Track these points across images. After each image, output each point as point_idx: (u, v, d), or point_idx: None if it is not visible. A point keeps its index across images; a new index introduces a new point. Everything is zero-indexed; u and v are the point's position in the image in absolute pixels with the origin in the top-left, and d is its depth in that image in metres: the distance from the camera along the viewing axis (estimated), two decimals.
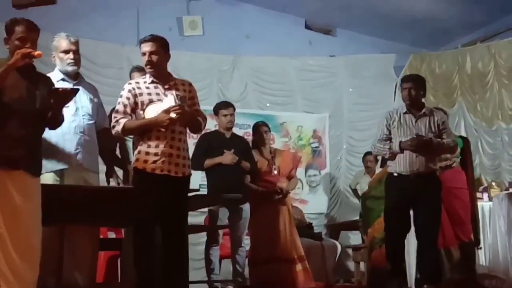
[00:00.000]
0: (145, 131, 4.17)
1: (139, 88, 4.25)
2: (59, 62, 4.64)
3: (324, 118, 9.01)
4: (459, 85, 8.90)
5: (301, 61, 9.06)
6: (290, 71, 9.02)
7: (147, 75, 4.33)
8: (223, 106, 6.29)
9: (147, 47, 4.24)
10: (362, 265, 7.44)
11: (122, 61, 7.72)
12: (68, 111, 4.44)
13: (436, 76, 9.13)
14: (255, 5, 8.95)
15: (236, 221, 6.05)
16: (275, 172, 6.45)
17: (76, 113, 4.52)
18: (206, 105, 8.27)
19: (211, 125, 7.18)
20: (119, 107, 4.23)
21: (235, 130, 6.97)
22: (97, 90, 4.85)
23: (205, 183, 6.32)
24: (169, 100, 4.19)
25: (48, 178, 4.49)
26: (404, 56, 9.18)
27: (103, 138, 4.68)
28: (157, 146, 4.13)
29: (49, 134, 4.44)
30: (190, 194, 4.96)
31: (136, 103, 4.22)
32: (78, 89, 3.91)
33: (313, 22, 9.36)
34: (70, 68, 4.61)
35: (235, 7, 8.87)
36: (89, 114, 4.60)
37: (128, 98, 4.22)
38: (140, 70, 5.17)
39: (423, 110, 5.20)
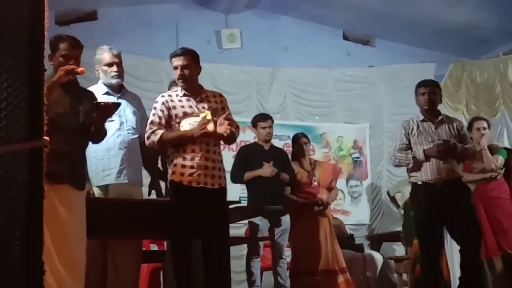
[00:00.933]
0: (179, 144, 4.20)
1: (172, 101, 4.29)
2: (102, 75, 4.67)
3: (365, 129, 8.97)
4: (501, 94, 8.76)
5: (339, 72, 9.05)
6: (329, 82, 9.00)
7: (179, 88, 4.36)
8: (261, 119, 6.29)
9: (179, 61, 4.27)
10: (404, 277, 7.36)
11: (161, 74, 7.80)
12: (112, 125, 4.50)
13: (477, 85, 9.01)
14: (292, 17, 8.98)
15: (277, 232, 6.03)
16: (315, 183, 6.43)
17: (121, 127, 4.56)
18: (245, 117, 8.36)
19: (250, 137, 7.21)
20: (154, 119, 4.26)
21: (275, 141, 6.99)
22: (141, 100, 4.87)
23: (245, 195, 6.32)
24: (204, 113, 4.22)
25: (95, 193, 4.56)
26: (443, 65, 9.08)
27: (147, 150, 4.72)
28: (192, 159, 4.16)
29: (94, 150, 4.51)
30: (230, 206, 5.00)
31: (170, 115, 4.26)
32: (119, 104, 3.95)
33: (351, 32, 9.34)
34: (114, 81, 4.65)
35: (272, 20, 8.91)
36: (133, 128, 4.62)
37: (162, 111, 4.26)
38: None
39: (441, 117, 5.06)
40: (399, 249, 8.22)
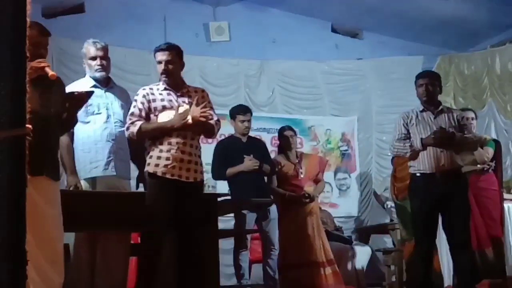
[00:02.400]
0: (157, 136, 4.21)
1: (152, 94, 4.31)
2: (88, 69, 4.70)
3: (353, 121, 8.98)
4: (489, 86, 8.78)
5: (328, 64, 9.04)
6: (317, 75, 9.00)
7: (161, 82, 4.38)
8: (241, 112, 6.22)
9: (163, 56, 4.29)
10: (393, 268, 7.39)
11: (149, 67, 7.73)
12: (100, 118, 4.54)
13: (465, 77, 9.04)
14: (281, 10, 8.95)
15: (266, 223, 6.02)
16: (302, 176, 6.44)
17: (108, 120, 4.57)
18: None
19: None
20: (135, 110, 4.28)
21: (263, 134, 7.01)
22: (128, 94, 4.88)
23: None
24: (183, 107, 4.23)
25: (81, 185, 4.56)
26: (432, 58, 9.11)
27: (135, 143, 4.70)
28: (168, 151, 4.17)
29: (82, 142, 4.52)
30: (219, 199, 5.01)
31: (150, 108, 4.28)
32: (93, 92, 3.91)
33: (340, 25, 9.33)
34: (98, 74, 4.66)
35: (261, 12, 8.88)
36: (121, 121, 4.62)
37: (142, 103, 4.28)
38: None
39: (441, 107, 5.07)
40: (387, 241, 8.25)
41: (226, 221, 7.31)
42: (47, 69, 3.47)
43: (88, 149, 4.55)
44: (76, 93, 3.77)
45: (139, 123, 4.23)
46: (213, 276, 4.68)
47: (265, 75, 8.76)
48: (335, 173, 8.76)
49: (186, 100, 4.30)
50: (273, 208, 6.07)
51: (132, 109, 4.31)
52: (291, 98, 8.80)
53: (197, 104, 4.23)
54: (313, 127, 8.79)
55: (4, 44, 1.68)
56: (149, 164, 4.21)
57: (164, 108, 4.27)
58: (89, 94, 3.80)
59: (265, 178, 6.22)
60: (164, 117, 4.24)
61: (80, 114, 4.51)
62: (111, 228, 4.31)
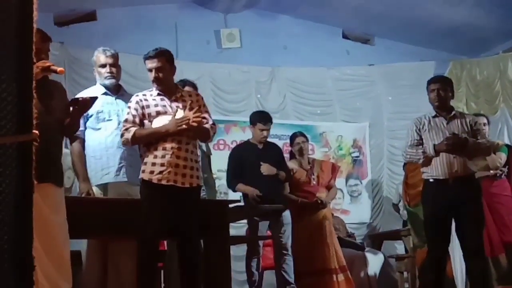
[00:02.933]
0: (151, 143, 4.17)
1: (146, 100, 4.28)
2: (98, 76, 4.73)
3: (364, 127, 8.96)
4: (501, 92, 8.73)
5: (339, 71, 9.03)
6: (328, 81, 8.99)
7: (153, 88, 4.34)
8: (262, 120, 6.13)
9: (152, 64, 4.25)
10: (406, 275, 7.35)
11: None
12: (110, 125, 4.56)
13: (477, 83, 8.99)
14: (291, 17, 8.97)
15: (279, 229, 5.97)
16: (314, 182, 6.44)
17: (119, 127, 4.54)
18: (244, 117, 8.35)
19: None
20: (129, 117, 4.25)
21: (276, 141, 7.00)
22: None
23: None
24: (180, 112, 4.20)
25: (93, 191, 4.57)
26: (443, 64, 9.06)
27: None
28: (163, 157, 4.12)
29: (93, 149, 4.54)
30: (231, 205, 5.00)
31: (143, 114, 4.24)
32: (97, 97, 3.92)
33: (350, 31, 9.33)
34: (107, 82, 4.68)
35: (272, 19, 8.90)
36: None
37: (136, 109, 4.25)
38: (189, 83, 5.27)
39: (453, 112, 5.03)
40: (400, 248, 8.21)
41: (238, 228, 7.33)
42: (53, 67, 3.47)
43: (100, 156, 4.57)
44: (80, 99, 3.77)
45: (133, 129, 4.19)
46: (225, 283, 4.68)
47: (276, 82, 8.76)
48: (347, 180, 8.74)
49: (181, 105, 4.26)
50: (287, 213, 6.03)
51: (126, 116, 4.28)
52: (302, 104, 8.79)
53: (191, 109, 4.19)
54: (324, 133, 8.78)
55: (11, 49, 1.68)
56: (143, 171, 4.15)
57: (158, 113, 4.23)
58: (93, 99, 3.80)
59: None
60: (159, 123, 4.20)
61: (92, 121, 4.56)
62: (122, 235, 4.29)
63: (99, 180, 4.57)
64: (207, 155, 5.37)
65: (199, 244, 4.22)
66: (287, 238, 6.00)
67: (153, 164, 4.12)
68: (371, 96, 9.08)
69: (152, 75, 4.26)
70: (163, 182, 4.09)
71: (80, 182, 4.49)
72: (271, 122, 6.24)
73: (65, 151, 4.05)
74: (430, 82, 5.14)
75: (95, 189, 4.51)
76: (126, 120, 4.26)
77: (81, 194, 4.37)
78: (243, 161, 6.05)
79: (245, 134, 8.27)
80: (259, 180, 5.92)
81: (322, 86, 8.96)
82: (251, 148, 6.17)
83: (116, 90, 4.72)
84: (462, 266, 5.51)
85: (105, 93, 4.62)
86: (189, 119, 4.13)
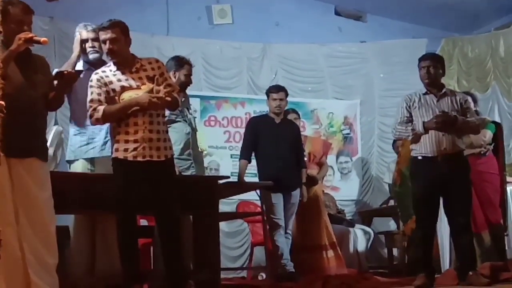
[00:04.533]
0: (122, 119, 4.06)
1: (107, 76, 4.15)
2: (82, 52, 4.73)
3: (355, 105, 8.95)
4: (493, 69, 8.75)
5: (331, 48, 9.00)
6: (320, 58, 8.96)
7: (111, 63, 4.23)
8: (273, 90, 6.16)
9: (106, 35, 4.10)
10: (395, 252, 7.41)
11: (151, 50, 7.73)
12: None
13: (469, 60, 9.00)
14: None
15: (286, 207, 5.96)
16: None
17: None
18: (236, 93, 8.39)
19: (241, 113, 7.19)
20: (93, 96, 4.11)
21: None
22: None
23: (236, 171, 6.24)
24: (147, 85, 4.10)
25: (80, 166, 4.58)
26: (435, 41, 9.05)
27: None
28: (136, 132, 4.02)
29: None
30: (220, 182, 5.01)
31: (108, 91, 4.11)
32: (82, 71, 3.89)
33: (343, 8, 9.28)
34: (90, 56, 4.68)
35: None
36: None
37: (99, 87, 4.11)
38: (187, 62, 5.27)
39: (444, 90, 5.01)
40: (389, 224, 8.26)
41: (230, 204, 7.36)
42: (36, 37, 3.42)
43: (85, 130, 4.59)
44: (65, 72, 3.72)
45: (101, 108, 4.07)
46: (214, 259, 4.72)
47: (267, 59, 8.73)
48: (337, 157, 8.74)
49: (142, 75, 4.15)
50: (295, 193, 6.02)
51: (90, 96, 4.14)
52: (293, 81, 8.76)
53: (158, 84, 4.11)
54: (315, 110, 8.77)
55: None
56: (117, 149, 4.06)
57: (123, 88, 4.11)
58: (78, 73, 3.77)
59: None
60: (127, 97, 4.08)
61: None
62: (108, 210, 4.25)
63: (84, 154, 4.59)
64: (195, 132, 5.35)
65: (178, 217, 4.15)
66: (290, 216, 5.99)
67: (126, 141, 4.03)
68: (363, 73, 9.06)
69: (106, 47, 4.14)
70: (139, 158, 4.01)
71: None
72: (286, 92, 6.19)
73: None
74: (421, 59, 5.12)
75: (82, 162, 4.54)
76: (91, 100, 4.12)
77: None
78: (258, 134, 6.02)
79: (237, 111, 8.30)
80: (274, 156, 5.92)
81: (313, 63, 8.93)
82: (267, 121, 6.13)
83: (100, 65, 4.61)
84: (449, 244, 5.56)
85: (88, 69, 4.57)
86: (160, 94, 4.02)
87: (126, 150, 4.02)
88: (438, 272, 5.40)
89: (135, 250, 4.11)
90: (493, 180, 5.74)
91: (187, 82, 5.26)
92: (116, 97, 4.10)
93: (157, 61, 4.32)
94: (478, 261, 5.13)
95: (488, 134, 5.78)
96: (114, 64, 4.19)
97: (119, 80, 4.13)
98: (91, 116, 4.12)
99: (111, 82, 4.12)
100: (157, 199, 4.07)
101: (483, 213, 5.63)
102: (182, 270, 4.15)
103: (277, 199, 5.89)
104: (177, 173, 4.80)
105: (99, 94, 4.11)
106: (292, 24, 8.83)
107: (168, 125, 4.92)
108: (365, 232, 7.44)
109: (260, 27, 8.71)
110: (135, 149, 4.01)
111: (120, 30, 4.13)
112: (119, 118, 4.08)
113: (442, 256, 5.80)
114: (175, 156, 4.42)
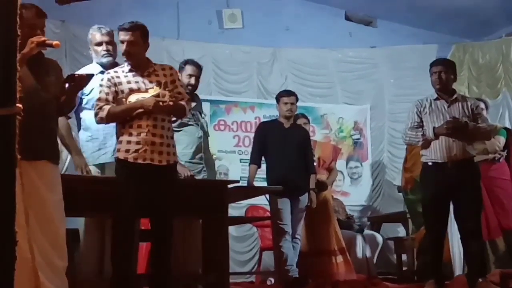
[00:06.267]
0: (126, 120, 4.05)
1: (118, 77, 4.15)
2: (94, 55, 4.73)
3: (365, 110, 8.93)
4: (503, 75, 8.70)
5: (341, 52, 9.00)
6: (330, 63, 8.95)
7: (125, 64, 4.23)
8: (284, 94, 6.17)
9: (125, 36, 4.08)
10: (404, 258, 7.38)
11: (162, 54, 7.76)
12: None
13: (479, 66, 8.97)
14: None
15: (294, 212, 5.93)
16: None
17: None
18: (246, 98, 8.40)
19: (251, 117, 7.17)
20: (101, 95, 4.12)
21: None
22: None
23: (246, 175, 6.25)
24: (155, 88, 4.09)
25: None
26: (446, 47, 9.03)
27: None
28: (138, 134, 4.00)
29: (90, 128, 4.53)
30: (230, 186, 5.00)
31: (116, 92, 4.11)
32: (93, 74, 3.89)
33: (353, 13, 9.27)
34: (104, 60, 4.67)
35: (274, 0, 8.85)
36: None
37: (108, 87, 4.12)
38: (192, 63, 5.26)
39: (455, 96, 5.00)
40: (399, 230, 8.23)
41: (239, 208, 7.36)
42: (48, 41, 3.43)
43: (97, 136, 4.59)
44: (76, 75, 3.72)
45: (107, 107, 4.07)
46: (223, 263, 4.70)
47: (277, 63, 8.73)
48: (347, 162, 8.74)
49: (154, 80, 4.14)
50: (303, 198, 6.00)
51: (98, 95, 4.16)
52: (303, 86, 8.75)
53: (165, 87, 4.10)
54: (325, 115, 8.76)
55: None
56: (118, 149, 4.06)
57: (131, 90, 4.10)
58: (89, 76, 3.77)
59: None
60: (134, 100, 4.08)
61: (89, 101, 4.54)
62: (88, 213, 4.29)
63: (96, 160, 4.59)
64: (206, 136, 5.35)
65: (172, 224, 4.11)
66: (298, 221, 5.97)
67: (128, 142, 4.02)
68: (373, 79, 9.04)
69: (123, 47, 4.13)
70: (139, 161, 3.99)
71: (74, 156, 4.50)
72: (296, 97, 6.18)
73: None
74: (432, 64, 5.12)
75: (92, 168, 4.53)
76: (99, 99, 4.13)
77: (79, 168, 4.36)
78: (267, 139, 6.02)
79: (246, 115, 8.30)
80: (281, 160, 5.91)
81: (324, 67, 8.93)
82: (276, 126, 6.12)
83: (112, 68, 4.68)
84: (460, 250, 5.53)
85: (101, 72, 4.55)
86: (165, 98, 4.02)
87: (127, 151, 4.01)
88: (450, 278, 5.38)
89: (128, 252, 4.04)
90: (505, 186, 5.72)
91: (190, 83, 5.24)
92: (124, 99, 4.10)
93: (171, 68, 4.32)
94: (492, 268, 5.11)
95: (501, 140, 5.77)
96: (128, 65, 4.20)
97: (128, 82, 4.13)
98: (96, 115, 4.13)
99: (120, 83, 4.12)
100: (152, 203, 4.04)
101: (497, 219, 5.61)
102: (167, 276, 4.09)
103: (284, 204, 5.87)
104: (189, 176, 4.81)
105: (107, 94, 4.11)
106: (302, 28, 8.83)
107: (180, 129, 4.94)
108: (375, 238, 7.42)
109: (270, 31, 8.71)
110: (136, 150, 4.00)
111: (141, 33, 4.13)
112: (123, 119, 4.08)
113: (454, 263, 5.77)
114: (186, 160, 4.42)
